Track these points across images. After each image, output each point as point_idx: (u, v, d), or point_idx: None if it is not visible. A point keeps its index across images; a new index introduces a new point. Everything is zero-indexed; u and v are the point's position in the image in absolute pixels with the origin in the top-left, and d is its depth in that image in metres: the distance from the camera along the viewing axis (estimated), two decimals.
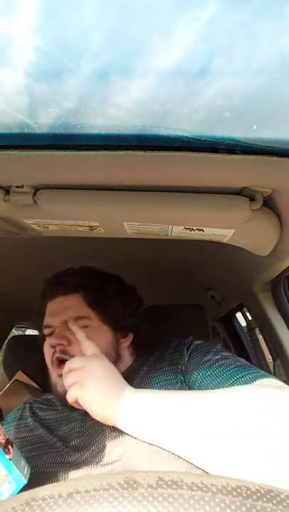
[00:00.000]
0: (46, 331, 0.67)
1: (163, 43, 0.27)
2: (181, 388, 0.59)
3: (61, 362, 0.61)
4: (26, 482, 0.44)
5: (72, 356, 0.61)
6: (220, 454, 0.43)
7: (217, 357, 0.60)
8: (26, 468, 0.47)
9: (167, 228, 0.50)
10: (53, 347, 0.63)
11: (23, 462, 0.47)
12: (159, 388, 0.60)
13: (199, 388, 0.57)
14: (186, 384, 0.60)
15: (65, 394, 0.60)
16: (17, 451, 0.48)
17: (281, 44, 0.26)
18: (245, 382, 0.52)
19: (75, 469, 0.54)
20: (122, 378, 0.54)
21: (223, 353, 0.61)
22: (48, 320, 0.67)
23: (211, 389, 0.54)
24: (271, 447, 0.40)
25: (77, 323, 0.63)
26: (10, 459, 0.44)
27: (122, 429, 0.50)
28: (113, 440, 0.55)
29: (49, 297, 0.68)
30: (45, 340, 0.67)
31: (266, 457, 0.40)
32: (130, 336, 0.71)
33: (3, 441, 0.45)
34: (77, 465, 0.54)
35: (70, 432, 0.61)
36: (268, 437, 0.41)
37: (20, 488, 0.43)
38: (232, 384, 0.53)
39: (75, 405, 0.53)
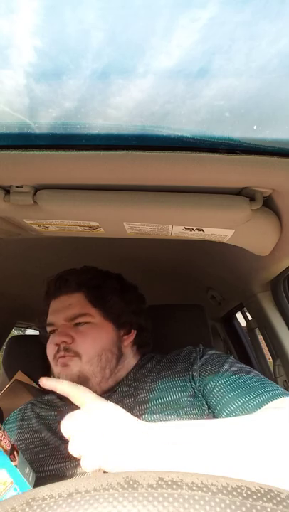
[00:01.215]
0: (49, 329, 0.68)
1: (163, 43, 0.27)
2: (193, 395, 0.59)
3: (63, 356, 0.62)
4: (32, 488, 0.43)
5: (76, 354, 0.62)
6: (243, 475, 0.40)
7: (235, 368, 0.60)
8: (31, 475, 0.46)
9: (167, 228, 0.50)
10: (57, 345, 0.63)
11: (28, 468, 0.46)
12: (169, 394, 0.60)
13: (215, 397, 0.57)
14: (200, 391, 0.60)
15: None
16: (22, 457, 0.47)
17: (281, 44, 0.26)
18: (265, 400, 0.51)
19: (79, 470, 0.54)
20: (130, 417, 0.47)
21: (240, 365, 0.62)
22: (50, 318, 0.68)
23: (228, 400, 0.54)
24: None
25: (79, 320, 0.64)
26: (15, 466, 0.43)
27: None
28: None
29: (52, 296, 0.69)
30: (48, 338, 0.68)
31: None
32: (133, 333, 0.72)
33: (9, 448, 0.44)
34: (79, 466, 0.55)
35: None
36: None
37: None
38: (251, 399, 0.52)
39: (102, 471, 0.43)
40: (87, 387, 0.61)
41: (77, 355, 0.62)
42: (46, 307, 0.70)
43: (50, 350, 0.65)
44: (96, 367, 0.63)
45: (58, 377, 0.63)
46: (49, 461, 0.58)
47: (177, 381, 0.62)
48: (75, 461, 0.56)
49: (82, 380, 0.62)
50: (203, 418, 0.57)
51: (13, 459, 0.43)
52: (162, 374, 0.65)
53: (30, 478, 0.45)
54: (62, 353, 0.62)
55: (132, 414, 0.59)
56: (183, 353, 0.69)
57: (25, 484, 0.43)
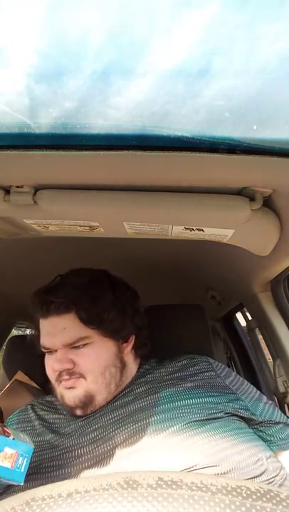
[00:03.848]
0: (45, 351, 0.65)
1: (163, 43, 0.27)
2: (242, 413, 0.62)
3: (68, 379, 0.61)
4: (34, 447, 0.50)
5: (80, 375, 0.61)
6: None
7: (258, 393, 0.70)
8: (27, 437, 0.52)
9: (167, 228, 0.50)
10: (57, 371, 0.62)
11: (22, 435, 0.52)
12: (183, 400, 0.60)
13: (269, 420, 0.65)
14: (251, 412, 0.63)
15: (74, 405, 0.61)
16: (13, 429, 0.52)
17: (281, 45, 0.26)
18: None
19: (83, 472, 0.54)
20: None
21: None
22: (45, 341, 0.63)
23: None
24: None
25: (77, 344, 0.61)
26: (14, 439, 0.49)
27: None
28: (121, 445, 0.55)
29: (41, 314, 0.64)
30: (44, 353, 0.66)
31: None
32: (132, 338, 0.69)
33: (1, 428, 0.49)
34: (85, 468, 0.54)
35: (77, 435, 0.61)
36: None
37: (31, 454, 0.49)
38: None
39: None
40: (93, 403, 0.62)
41: (81, 376, 0.61)
42: (36, 323, 0.66)
43: (51, 374, 0.63)
44: (101, 384, 0.62)
45: (62, 397, 0.63)
46: (55, 464, 0.57)
47: (210, 399, 0.61)
48: (81, 464, 0.55)
49: (88, 399, 0.61)
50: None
51: (8, 435, 0.49)
52: (175, 388, 0.63)
53: (28, 440, 0.51)
54: (66, 377, 0.61)
55: (137, 416, 0.59)
56: (192, 363, 0.69)
57: (27, 447, 0.49)
